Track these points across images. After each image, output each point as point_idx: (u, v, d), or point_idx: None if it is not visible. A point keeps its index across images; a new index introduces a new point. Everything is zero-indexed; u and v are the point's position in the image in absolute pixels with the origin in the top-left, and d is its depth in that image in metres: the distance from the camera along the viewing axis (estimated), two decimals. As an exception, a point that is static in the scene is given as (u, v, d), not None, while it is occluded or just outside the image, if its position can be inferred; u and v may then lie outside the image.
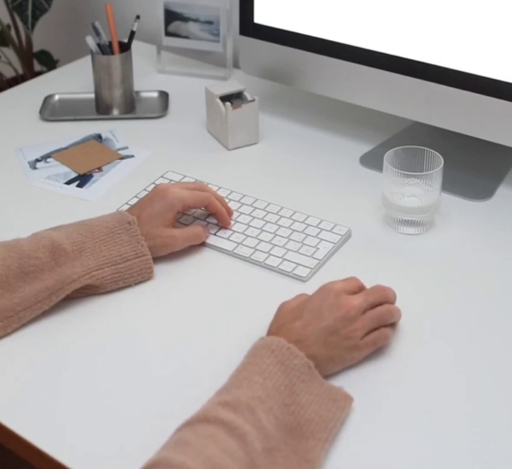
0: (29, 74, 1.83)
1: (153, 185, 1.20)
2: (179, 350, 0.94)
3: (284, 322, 0.89)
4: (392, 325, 0.92)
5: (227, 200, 1.15)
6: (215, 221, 1.11)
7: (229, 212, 1.11)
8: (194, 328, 0.97)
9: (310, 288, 0.95)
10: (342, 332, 0.87)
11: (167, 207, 1.04)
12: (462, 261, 1.07)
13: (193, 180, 1.20)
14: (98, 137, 1.36)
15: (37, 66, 1.90)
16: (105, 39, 1.38)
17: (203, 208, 1.10)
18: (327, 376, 0.87)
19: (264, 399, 0.80)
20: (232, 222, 1.11)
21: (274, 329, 0.89)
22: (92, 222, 1.02)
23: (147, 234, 1.02)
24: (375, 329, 0.90)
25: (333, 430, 0.81)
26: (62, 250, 0.97)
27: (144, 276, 1.02)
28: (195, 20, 1.50)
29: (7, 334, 0.95)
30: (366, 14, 1.19)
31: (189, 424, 0.77)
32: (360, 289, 0.92)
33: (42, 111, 1.42)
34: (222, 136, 1.32)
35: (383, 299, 0.91)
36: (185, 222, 1.11)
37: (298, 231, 1.10)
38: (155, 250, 1.03)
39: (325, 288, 0.91)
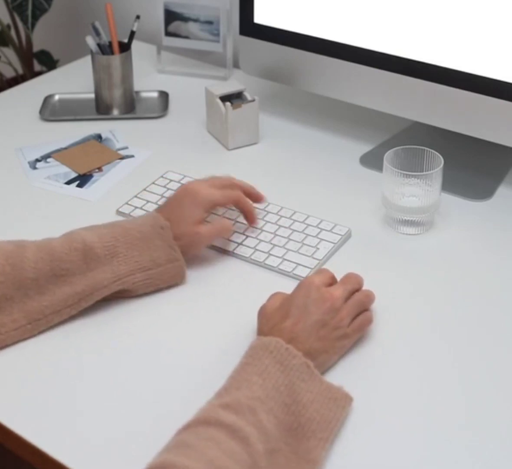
0: (29, 74, 1.83)
1: (153, 185, 1.20)
2: (179, 350, 0.94)
3: (274, 323, 0.89)
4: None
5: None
6: (218, 214, 1.12)
7: (259, 197, 1.11)
8: (193, 327, 0.97)
9: (310, 288, 0.95)
10: (331, 323, 0.89)
11: (197, 207, 1.03)
12: (462, 261, 1.07)
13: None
14: (98, 137, 1.36)
15: (37, 66, 1.90)
16: (105, 39, 1.38)
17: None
18: (324, 371, 0.89)
19: (264, 399, 0.80)
20: (232, 222, 1.11)
21: (266, 330, 0.89)
22: (125, 225, 1.00)
23: (175, 235, 1.01)
24: (357, 314, 0.93)
25: (334, 430, 0.82)
26: (94, 254, 0.96)
27: (176, 281, 1.02)
28: (195, 20, 1.50)
29: (33, 336, 0.95)
30: (366, 14, 1.19)
31: (190, 426, 0.77)
32: (333, 279, 0.95)
33: (42, 111, 1.42)
34: (222, 136, 1.32)
35: (358, 285, 0.95)
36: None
37: (298, 232, 1.10)
38: (184, 250, 1.02)
39: (305, 284, 0.92)
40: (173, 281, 1.01)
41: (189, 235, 1.02)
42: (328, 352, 0.89)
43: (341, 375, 0.89)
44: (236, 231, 1.10)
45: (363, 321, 0.93)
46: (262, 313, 0.92)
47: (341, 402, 0.83)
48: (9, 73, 1.94)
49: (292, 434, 0.80)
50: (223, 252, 1.08)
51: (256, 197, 1.11)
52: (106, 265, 0.96)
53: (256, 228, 1.10)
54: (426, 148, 1.10)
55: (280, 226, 1.11)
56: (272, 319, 0.90)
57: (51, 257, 0.95)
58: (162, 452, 0.75)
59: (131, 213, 1.14)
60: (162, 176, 1.23)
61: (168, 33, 1.53)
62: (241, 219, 1.12)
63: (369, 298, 0.95)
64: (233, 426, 0.75)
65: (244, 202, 1.08)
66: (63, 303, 0.95)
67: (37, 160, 1.30)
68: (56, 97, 1.46)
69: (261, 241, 1.08)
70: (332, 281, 0.94)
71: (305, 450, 0.79)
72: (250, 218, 1.10)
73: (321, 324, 0.88)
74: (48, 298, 0.95)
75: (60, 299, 0.95)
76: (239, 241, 1.09)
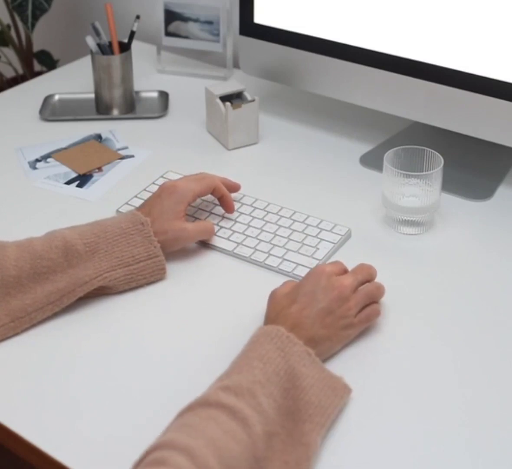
0: (29, 74, 1.83)
1: (153, 185, 1.20)
2: (181, 349, 0.94)
3: (281, 308, 0.90)
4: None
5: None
6: (218, 214, 1.12)
7: (236, 187, 1.14)
8: (195, 327, 0.97)
9: (310, 288, 0.95)
10: (337, 312, 0.90)
11: (177, 200, 1.04)
12: (462, 261, 1.07)
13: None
14: (98, 137, 1.36)
15: (37, 66, 1.90)
16: (105, 39, 1.38)
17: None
18: (326, 359, 0.89)
19: (265, 383, 0.81)
20: (232, 222, 1.11)
21: (272, 315, 0.90)
22: (105, 222, 1.01)
23: (159, 229, 1.02)
24: (366, 305, 0.93)
25: (331, 417, 0.82)
26: (75, 251, 0.97)
27: (156, 277, 1.02)
28: (195, 20, 1.50)
29: (17, 334, 0.95)
30: (366, 14, 1.19)
31: (191, 408, 0.78)
32: (346, 271, 0.95)
33: (42, 111, 1.42)
34: (222, 136, 1.32)
35: (369, 277, 0.95)
36: (188, 213, 1.11)
37: (298, 232, 1.10)
38: (168, 244, 1.03)
39: (316, 271, 0.92)
40: (153, 277, 1.02)
41: (175, 230, 1.03)
42: (331, 340, 0.89)
43: (340, 368, 0.88)
44: (235, 231, 1.10)
45: (371, 312, 0.93)
46: (272, 298, 0.93)
47: (339, 391, 0.84)
48: (9, 73, 1.94)
49: (289, 418, 0.81)
50: (223, 251, 1.08)
51: (233, 187, 1.13)
52: (87, 261, 0.97)
53: (256, 228, 1.10)
54: (426, 148, 1.10)
55: (280, 226, 1.11)
56: (280, 304, 0.91)
57: (32, 255, 0.96)
58: (163, 433, 0.76)
59: (131, 213, 1.14)
60: (162, 176, 1.23)
61: (168, 33, 1.53)
62: (240, 219, 1.12)
63: (380, 290, 0.95)
64: (233, 408, 0.77)
65: (221, 189, 1.10)
66: (46, 300, 0.95)
67: (37, 160, 1.30)
68: (56, 97, 1.46)
69: (261, 240, 1.08)
70: (344, 272, 0.95)
71: (301, 433, 0.80)
72: (227, 205, 1.12)
73: (327, 312, 0.89)
74: (31, 296, 0.95)
75: (42, 296, 0.95)
76: (239, 240, 1.09)
